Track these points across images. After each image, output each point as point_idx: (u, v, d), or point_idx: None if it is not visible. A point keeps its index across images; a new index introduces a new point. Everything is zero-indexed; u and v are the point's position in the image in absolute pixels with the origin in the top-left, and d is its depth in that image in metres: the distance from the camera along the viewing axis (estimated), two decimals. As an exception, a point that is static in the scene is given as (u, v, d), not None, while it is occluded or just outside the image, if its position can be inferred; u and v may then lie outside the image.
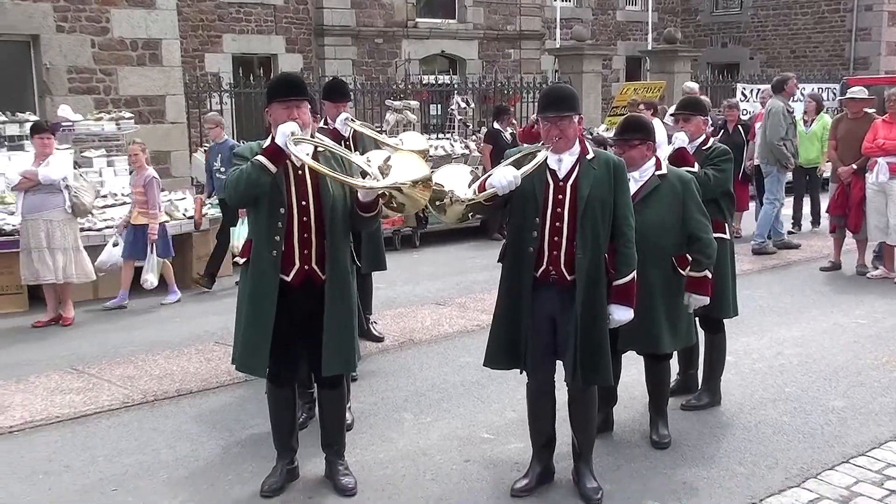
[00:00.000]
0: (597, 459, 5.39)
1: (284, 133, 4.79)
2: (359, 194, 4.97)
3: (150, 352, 8.24)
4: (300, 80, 5.30)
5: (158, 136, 14.72)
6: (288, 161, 4.92)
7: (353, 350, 5.22)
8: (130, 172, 11.33)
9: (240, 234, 10.67)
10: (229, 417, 6.60)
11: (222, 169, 10.75)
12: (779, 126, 12.47)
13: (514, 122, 15.37)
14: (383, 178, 4.89)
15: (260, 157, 4.83)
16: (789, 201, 14.40)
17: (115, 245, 10.28)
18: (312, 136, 5.06)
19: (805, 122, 14.29)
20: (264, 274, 5.00)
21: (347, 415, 5.80)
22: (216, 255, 11.11)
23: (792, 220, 14.33)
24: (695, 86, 16.00)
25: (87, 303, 10.12)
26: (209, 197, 11.61)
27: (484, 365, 5.30)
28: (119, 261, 10.20)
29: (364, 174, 5.03)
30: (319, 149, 5.01)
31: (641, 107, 14.12)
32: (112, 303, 10.11)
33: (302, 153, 4.81)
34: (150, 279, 10.15)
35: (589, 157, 5.02)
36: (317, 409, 5.61)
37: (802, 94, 17.30)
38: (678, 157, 6.26)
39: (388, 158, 5.04)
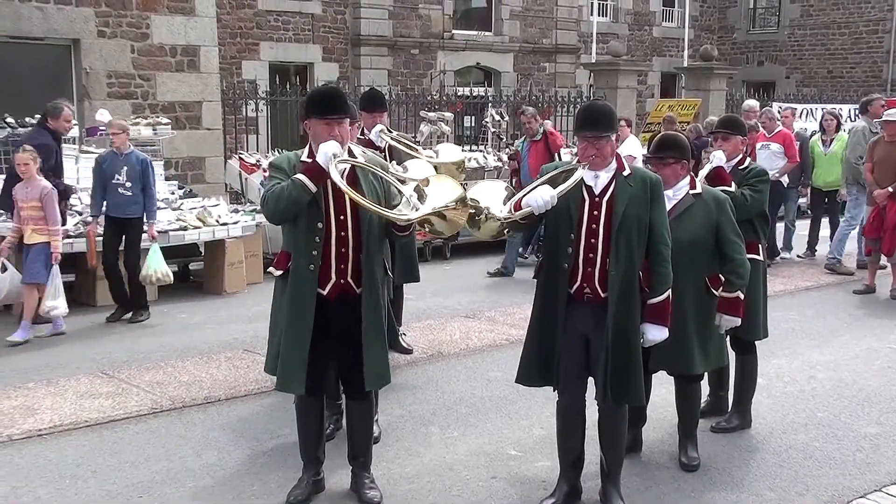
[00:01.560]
0: (624, 480, 5.33)
1: (327, 154, 4.79)
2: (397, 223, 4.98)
3: (179, 358, 8.27)
4: (342, 97, 5.25)
5: (194, 141, 14.83)
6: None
7: (387, 364, 5.26)
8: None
9: (151, 264, 9.58)
10: (256, 426, 6.60)
11: (127, 184, 9.41)
12: (857, 145, 12.36)
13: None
14: (420, 200, 4.89)
15: (301, 177, 4.84)
16: (806, 223, 14.11)
17: (4, 270, 8.93)
18: (349, 150, 5.06)
19: (824, 141, 13.47)
20: (302, 288, 4.99)
21: (374, 427, 5.79)
22: (117, 286, 9.71)
23: (807, 244, 13.79)
24: (755, 104, 15.87)
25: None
26: (98, 215, 9.62)
27: (516, 381, 5.28)
28: (14, 288, 8.97)
29: (400, 181, 5.02)
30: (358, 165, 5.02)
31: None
32: (14, 336, 8.73)
33: (343, 183, 4.78)
34: (60, 305, 8.89)
35: (625, 173, 5.00)
36: (344, 420, 5.59)
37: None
38: (715, 177, 6.24)
39: (427, 182, 5.03)
